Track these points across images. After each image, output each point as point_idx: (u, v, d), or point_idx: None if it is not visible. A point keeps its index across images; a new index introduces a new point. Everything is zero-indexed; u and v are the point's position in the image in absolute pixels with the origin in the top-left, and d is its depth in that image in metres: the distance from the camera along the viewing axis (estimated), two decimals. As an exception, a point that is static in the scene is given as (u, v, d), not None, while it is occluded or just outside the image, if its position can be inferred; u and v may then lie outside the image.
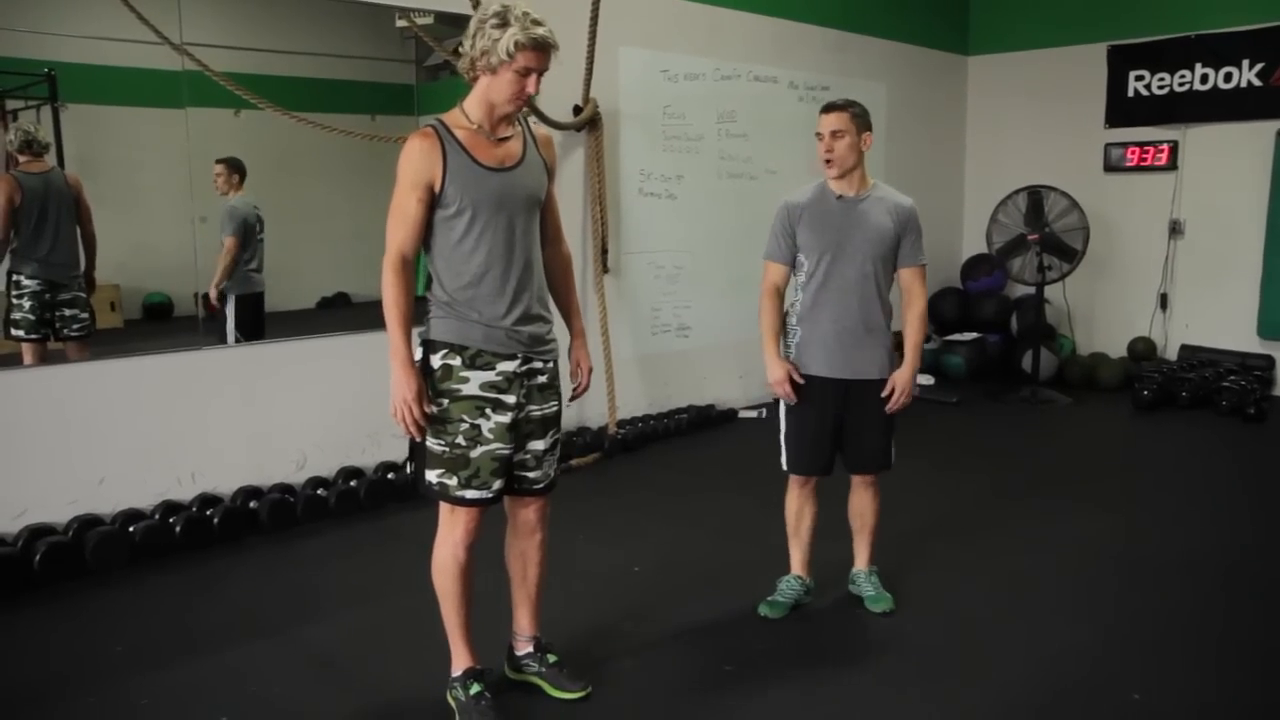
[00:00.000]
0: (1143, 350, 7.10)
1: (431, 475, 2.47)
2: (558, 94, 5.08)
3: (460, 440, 2.44)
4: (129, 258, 4.74)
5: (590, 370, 2.76)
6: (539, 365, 2.54)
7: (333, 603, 3.35)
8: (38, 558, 3.48)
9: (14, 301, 4.07)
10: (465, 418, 2.44)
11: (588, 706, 2.64)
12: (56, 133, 4.41)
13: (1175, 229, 7.00)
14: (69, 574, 3.52)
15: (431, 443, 2.46)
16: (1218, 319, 6.85)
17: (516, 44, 2.31)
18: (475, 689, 2.57)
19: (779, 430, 3.28)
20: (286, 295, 5.27)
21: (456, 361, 2.45)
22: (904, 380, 3.16)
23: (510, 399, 2.47)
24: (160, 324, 4.79)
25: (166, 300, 4.86)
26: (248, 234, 4.78)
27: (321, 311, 5.47)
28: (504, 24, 2.32)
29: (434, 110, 5.75)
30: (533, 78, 2.37)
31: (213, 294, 4.67)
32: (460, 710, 2.56)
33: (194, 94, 4.48)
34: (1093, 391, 6.87)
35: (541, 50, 2.35)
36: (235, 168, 4.74)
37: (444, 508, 2.50)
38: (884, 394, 3.14)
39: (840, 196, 3.12)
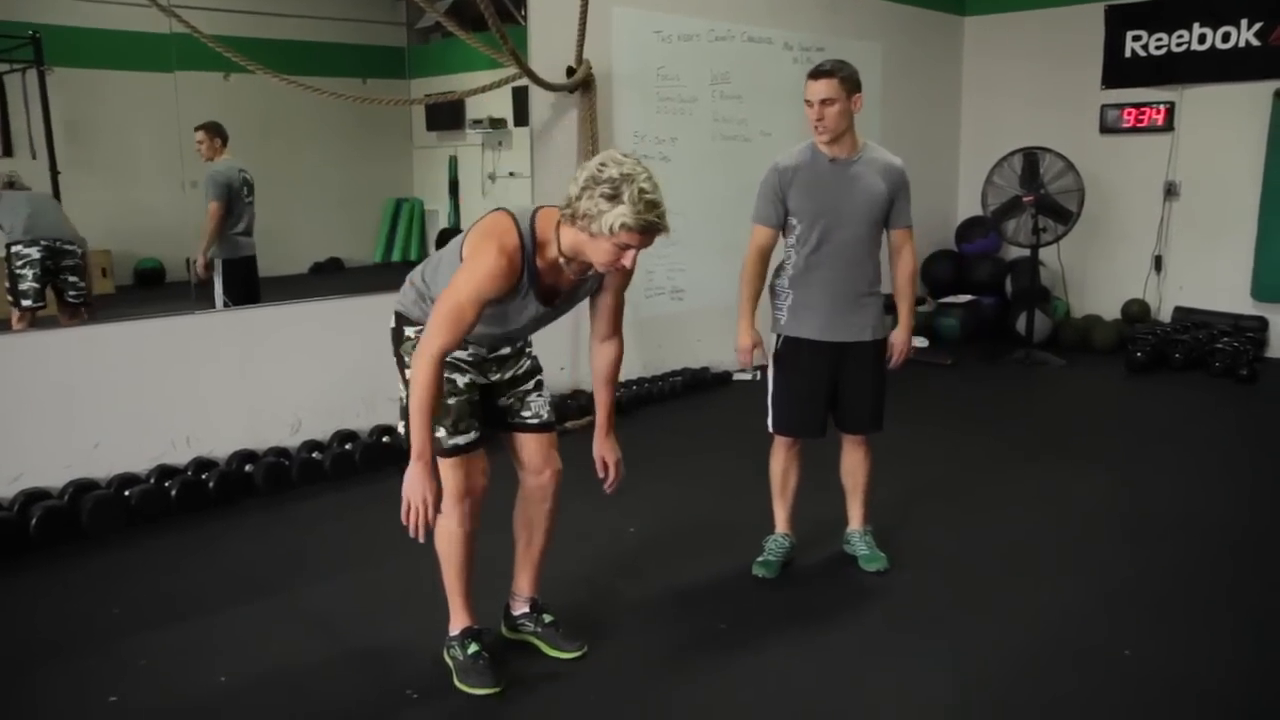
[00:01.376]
0: (1137, 312, 7.11)
1: None
2: (550, 55, 5.05)
3: None
4: (120, 223, 4.74)
5: (619, 462, 2.66)
6: (507, 350, 2.61)
7: (329, 564, 3.37)
8: (34, 522, 3.49)
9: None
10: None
11: (584, 665, 2.66)
12: (43, 97, 4.37)
13: (1171, 191, 6.98)
14: (65, 538, 3.53)
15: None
16: (1212, 281, 6.85)
17: (623, 225, 2.15)
18: (473, 648, 2.59)
19: (767, 391, 3.28)
20: (279, 260, 5.26)
21: None
22: (902, 340, 3.21)
23: (476, 372, 2.56)
24: (152, 289, 4.79)
25: (158, 265, 4.85)
26: (233, 198, 4.73)
27: (314, 276, 5.48)
28: (616, 198, 2.15)
29: (425, 73, 5.76)
30: (631, 252, 2.22)
31: (200, 260, 4.65)
32: (458, 669, 2.58)
33: (183, 57, 4.43)
34: (1087, 354, 6.88)
35: (649, 234, 2.21)
36: (216, 132, 4.68)
37: (445, 475, 2.47)
38: (886, 355, 3.19)
39: (833, 159, 3.08)
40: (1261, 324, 6.62)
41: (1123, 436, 5.00)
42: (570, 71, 5.12)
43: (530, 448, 2.67)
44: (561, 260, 2.33)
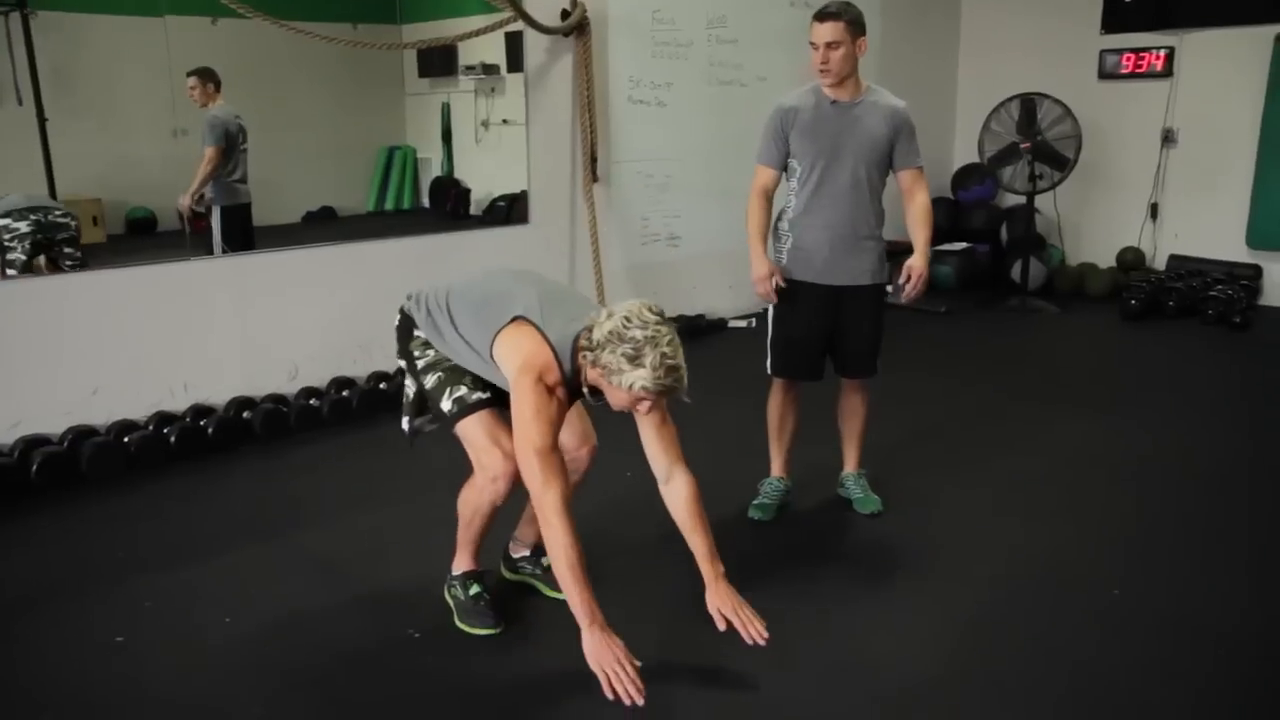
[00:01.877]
0: (1132, 260, 7.11)
1: (446, 403, 2.49)
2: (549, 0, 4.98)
3: (443, 366, 2.51)
4: (110, 171, 4.67)
5: (739, 610, 2.36)
6: None
7: (330, 508, 3.40)
8: (34, 467, 3.51)
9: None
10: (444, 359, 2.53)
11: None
12: (28, 41, 4.28)
13: (1168, 138, 6.95)
14: (65, 483, 3.55)
15: (427, 381, 2.53)
16: (1207, 229, 6.84)
17: (643, 388, 2.16)
18: (475, 589, 2.63)
19: (766, 334, 3.29)
20: (272, 209, 5.18)
21: None
22: (919, 267, 3.13)
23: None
24: (144, 238, 4.74)
25: (150, 214, 4.80)
26: (230, 144, 4.69)
27: (307, 225, 5.42)
28: (637, 359, 2.14)
29: (416, 18, 5.67)
30: (647, 404, 2.23)
31: (186, 201, 4.59)
32: (458, 609, 2.62)
33: (171, 1, 4.36)
34: (1081, 301, 6.90)
35: (666, 396, 2.22)
36: (209, 78, 4.61)
37: (479, 445, 2.46)
38: (901, 280, 3.13)
39: (835, 102, 3.08)
40: (1256, 272, 6.63)
41: (1116, 383, 5.04)
42: (565, 14, 5.05)
43: (565, 431, 2.57)
44: (585, 392, 2.34)
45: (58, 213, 4.11)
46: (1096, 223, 7.33)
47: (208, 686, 2.36)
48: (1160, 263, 7.07)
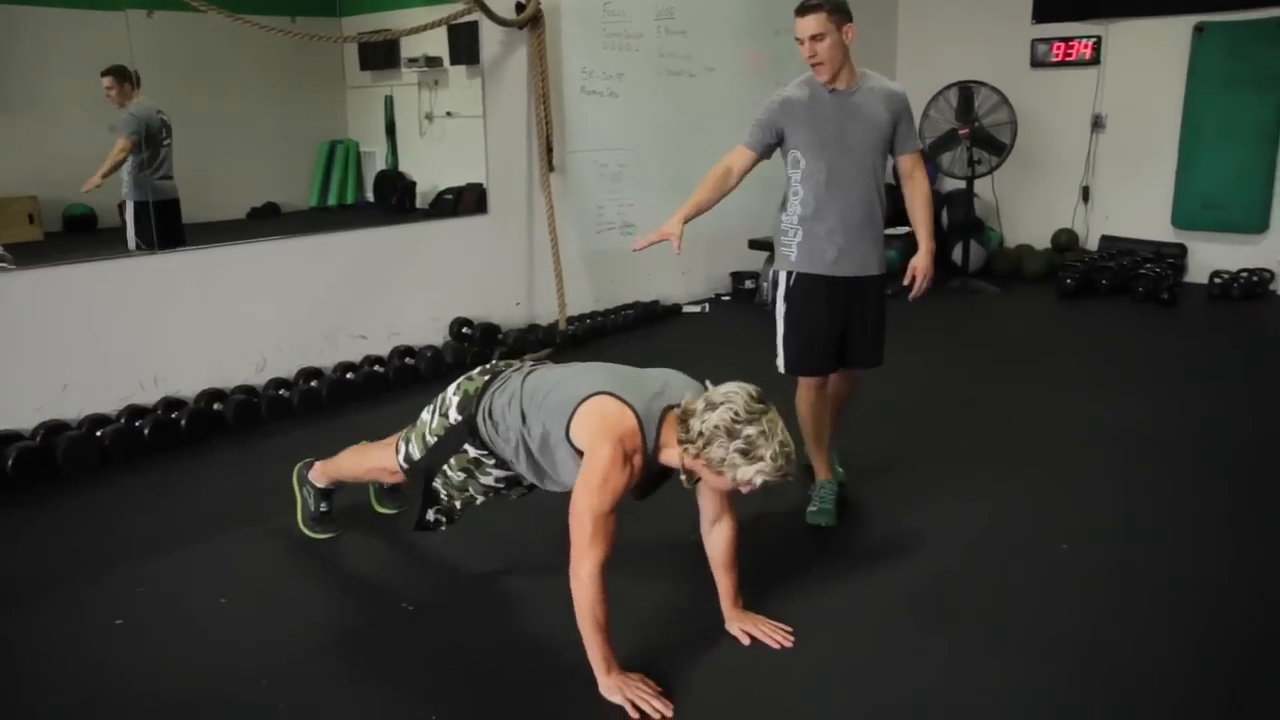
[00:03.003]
0: (1066, 241, 7.41)
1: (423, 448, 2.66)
2: (503, -9, 5.07)
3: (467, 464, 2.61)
4: (46, 167, 4.60)
5: (760, 623, 2.53)
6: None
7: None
8: (10, 462, 3.53)
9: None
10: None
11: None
12: None
13: (1097, 123, 7.25)
14: (42, 478, 3.58)
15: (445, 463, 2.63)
16: (1135, 210, 7.16)
17: (764, 482, 2.17)
18: (324, 506, 3.11)
19: (775, 333, 3.24)
20: (215, 206, 5.16)
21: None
22: (924, 264, 3.16)
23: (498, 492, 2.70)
24: (83, 236, 4.67)
25: (89, 211, 4.72)
26: (150, 139, 4.56)
27: (252, 221, 5.40)
28: (752, 455, 2.15)
29: (356, 10, 5.67)
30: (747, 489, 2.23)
31: (90, 184, 4.48)
32: (304, 513, 3.10)
33: None
34: (1019, 281, 7.19)
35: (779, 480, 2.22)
36: (124, 76, 4.47)
37: (405, 454, 2.74)
38: (905, 282, 3.19)
39: (832, 91, 3.04)
40: (1181, 250, 6.96)
41: (1054, 356, 5.29)
42: (520, 7, 5.14)
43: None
44: (683, 478, 2.36)
45: None
46: (1032, 206, 7.62)
47: (210, 663, 2.44)
48: (1093, 243, 7.38)
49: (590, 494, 2.19)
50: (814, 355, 3.19)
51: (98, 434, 3.80)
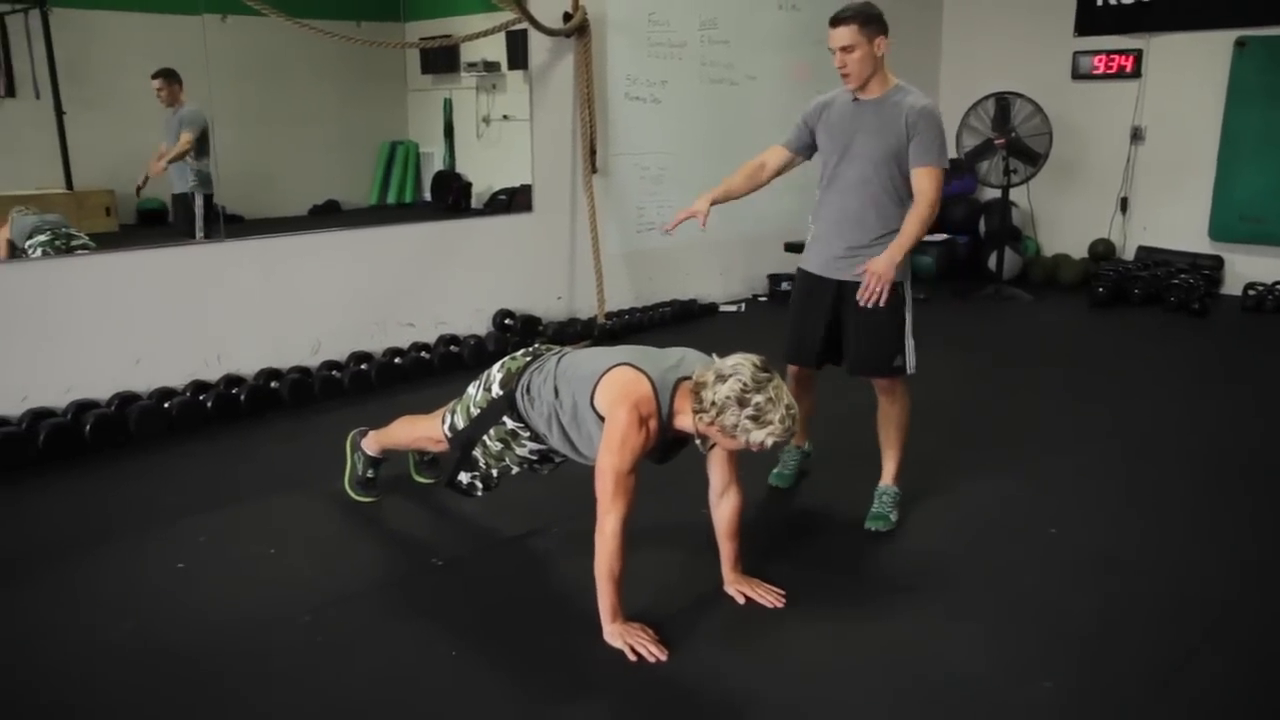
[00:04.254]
0: (1102, 251, 7.50)
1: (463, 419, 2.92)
2: (551, 2, 5.33)
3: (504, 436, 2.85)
4: (123, 163, 4.89)
5: (757, 585, 2.74)
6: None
7: (351, 464, 3.77)
8: (88, 428, 3.87)
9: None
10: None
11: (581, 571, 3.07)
12: (46, 36, 4.52)
13: (1137, 135, 7.33)
14: (115, 443, 3.92)
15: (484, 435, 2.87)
16: (1173, 221, 7.23)
17: (774, 442, 2.39)
18: (371, 473, 3.37)
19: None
20: (279, 202, 5.45)
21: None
22: (875, 263, 3.03)
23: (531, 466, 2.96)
24: (155, 229, 4.93)
25: (161, 205, 4.98)
26: (205, 136, 4.79)
27: (313, 218, 5.63)
28: (761, 420, 2.36)
29: (418, 16, 5.96)
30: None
31: (154, 169, 4.76)
32: (351, 476, 3.37)
33: (176, 1, 4.52)
34: (1054, 290, 7.30)
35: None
36: (173, 78, 4.74)
37: (446, 427, 2.99)
38: (858, 271, 3.11)
39: (856, 99, 3.12)
40: (1217, 262, 7.02)
41: (1080, 361, 5.43)
42: (567, 17, 5.42)
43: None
44: (698, 442, 2.59)
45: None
46: (1071, 215, 7.71)
47: (259, 600, 2.73)
48: (1130, 254, 7.46)
49: (610, 454, 2.43)
50: (799, 347, 3.32)
51: (165, 405, 4.13)
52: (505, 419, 2.79)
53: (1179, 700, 2.31)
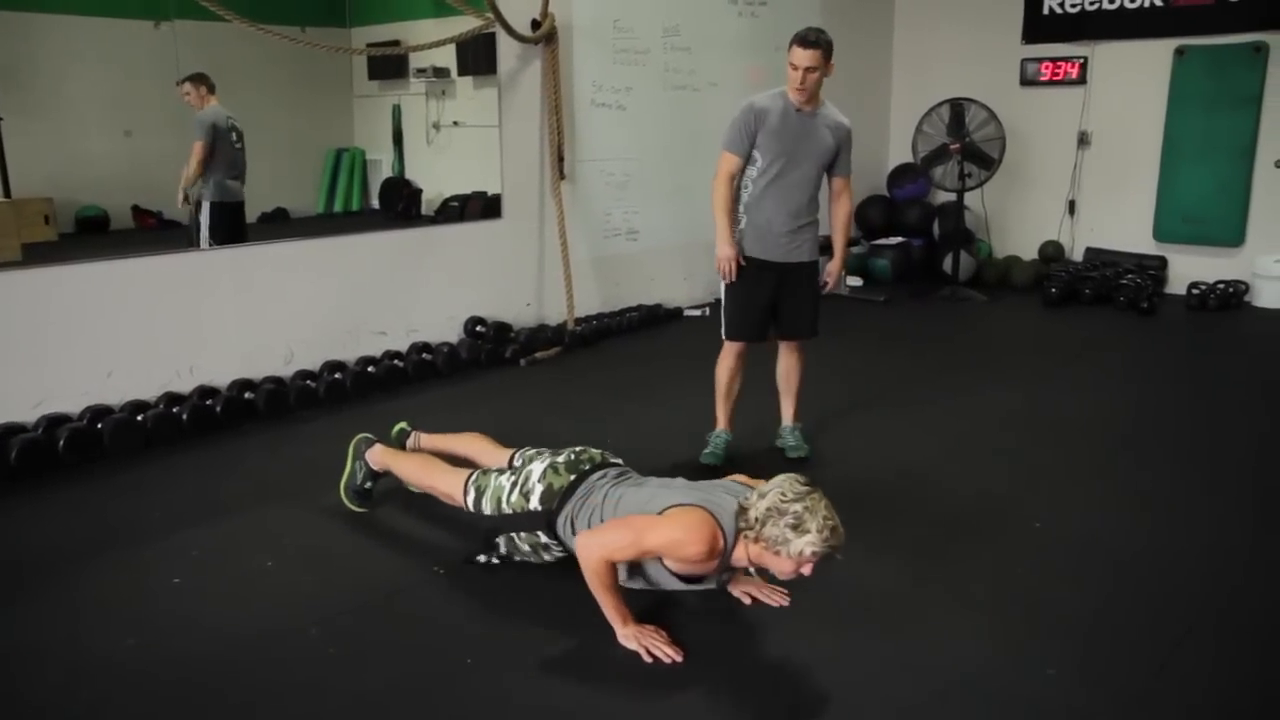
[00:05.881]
0: (1052, 252, 7.71)
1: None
2: (518, 9, 5.34)
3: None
4: (61, 170, 4.80)
5: (763, 585, 2.80)
6: None
7: (340, 472, 3.72)
8: (61, 442, 3.79)
9: None
10: None
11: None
12: None
13: (1083, 140, 7.56)
14: (89, 457, 3.84)
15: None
16: (1119, 223, 7.47)
17: (813, 554, 2.35)
18: (370, 484, 3.35)
19: (721, 306, 3.84)
20: None
21: None
22: (834, 269, 3.87)
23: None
24: (96, 237, 4.85)
25: (102, 213, 4.89)
26: (218, 142, 4.87)
27: (264, 226, 5.54)
28: (800, 529, 2.34)
29: (365, 21, 5.88)
30: (810, 566, 2.38)
31: (179, 196, 4.78)
32: (349, 483, 3.35)
33: (113, 3, 4.48)
34: (1007, 290, 7.48)
35: (831, 555, 2.39)
36: (201, 81, 4.82)
37: (468, 484, 3.04)
38: (821, 281, 3.86)
39: (799, 110, 3.60)
40: (1162, 262, 7.26)
41: (1037, 359, 5.58)
42: (535, 24, 5.43)
43: None
44: (750, 570, 2.62)
45: None
46: (1020, 218, 7.92)
47: (264, 613, 2.71)
48: (1078, 255, 7.68)
49: (655, 529, 2.47)
50: (748, 325, 3.80)
51: (139, 418, 4.06)
52: (540, 534, 2.86)
53: (1172, 681, 2.41)
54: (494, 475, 2.98)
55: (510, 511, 2.89)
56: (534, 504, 2.84)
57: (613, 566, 2.53)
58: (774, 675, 2.46)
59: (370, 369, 4.85)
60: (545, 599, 2.81)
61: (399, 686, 2.39)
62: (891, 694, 2.37)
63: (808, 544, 2.34)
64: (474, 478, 3.02)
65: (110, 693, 2.36)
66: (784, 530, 2.35)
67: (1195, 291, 6.83)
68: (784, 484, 2.42)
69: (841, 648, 2.58)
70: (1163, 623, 2.68)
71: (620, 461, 2.98)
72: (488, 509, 2.94)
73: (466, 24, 5.15)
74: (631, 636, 2.52)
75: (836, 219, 3.84)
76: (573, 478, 2.83)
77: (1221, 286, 6.80)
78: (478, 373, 5.13)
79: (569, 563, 2.71)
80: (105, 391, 4.13)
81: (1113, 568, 3.00)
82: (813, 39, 3.47)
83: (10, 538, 3.22)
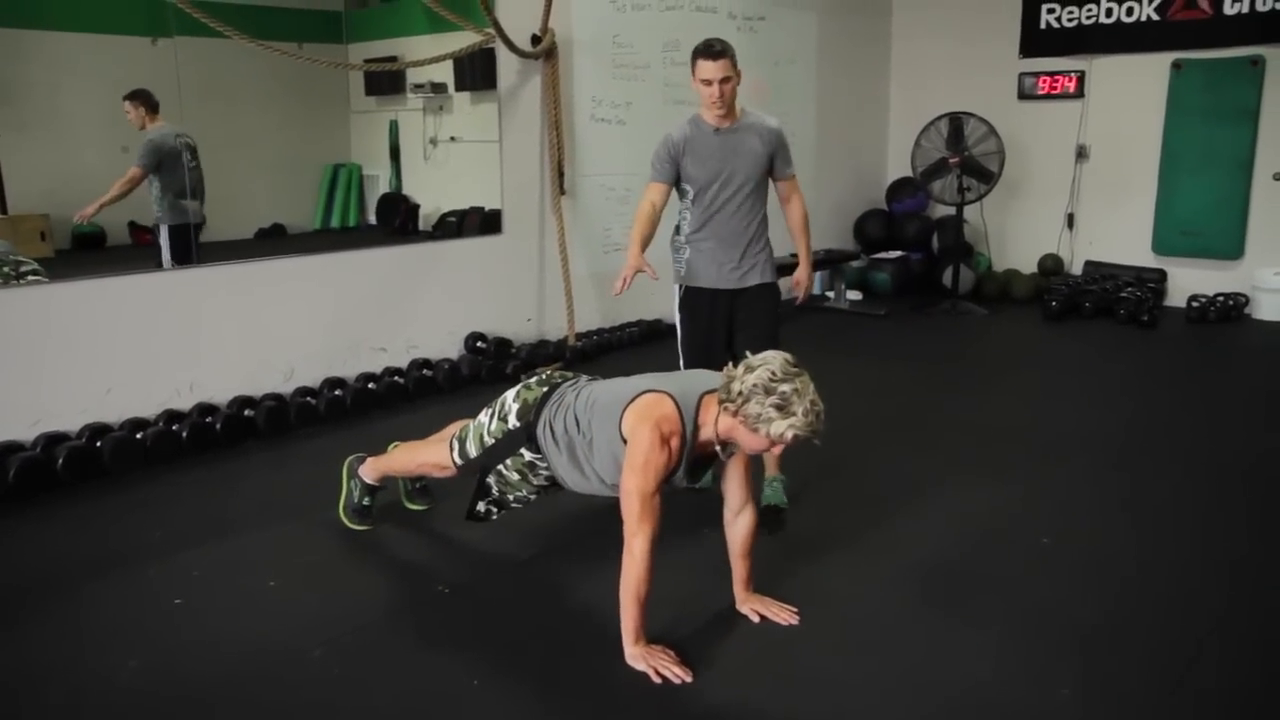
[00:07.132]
0: (1051, 266, 7.71)
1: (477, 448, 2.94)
2: (518, 24, 5.34)
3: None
4: (57, 186, 4.73)
5: (772, 603, 2.78)
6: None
7: (340, 490, 3.69)
8: (60, 461, 3.75)
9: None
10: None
11: (588, 594, 3.06)
12: None
13: (1081, 153, 7.57)
14: (88, 476, 3.80)
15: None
16: (1118, 236, 7.48)
17: (795, 436, 2.33)
18: (367, 500, 3.35)
19: (677, 337, 3.70)
20: (225, 225, 5.28)
21: None
22: (801, 277, 3.70)
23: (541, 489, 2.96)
24: (93, 254, 4.80)
25: (98, 230, 4.83)
26: (163, 164, 4.70)
27: (260, 242, 5.54)
28: (786, 410, 2.32)
29: (362, 38, 5.89)
30: (781, 447, 2.38)
31: (90, 211, 4.58)
32: (347, 503, 3.34)
33: (110, 19, 4.45)
34: (1007, 303, 7.48)
35: (812, 438, 2.37)
36: (143, 100, 4.63)
37: (453, 450, 3.03)
38: (790, 294, 3.74)
39: (717, 130, 3.41)
40: (1161, 275, 7.27)
41: (1038, 373, 5.57)
42: (536, 40, 5.43)
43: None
44: (716, 447, 2.55)
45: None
46: (1019, 231, 7.93)
47: (267, 634, 2.67)
48: (1077, 268, 7.69)
49: (634, 475, 2.44)
50: (702, 355, 3.54)
51: (139, 436, 4.02)
52: (524, 451, 2.80)
53: (1187, 698, 2.38)
54: (472, 421, 2.98)
55: (493, 441, 2.86)
56: (512, 423, 2.81)
57: (653, 545, 2.44)
58: (783, 694, 2.43)
59: (371, 385, 4.82)
60: (552, 618, 2.78)
61: (405, 706, 2.35)
62: (902, 713, 2.34)
63: (790, 426, 2.31)
64: (456, 434, 3.01)
65: (112, 715, 2.32)
66: (768, 409, 2.32)
67: (1195, 304, 6.84)
68: (775, 361, 2.39)
69: (851, 666, 2.55)
70: (1174, 638, 2.66)
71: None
72: (473, 451, 2.91)
73: (464, 40, 5.17)
74: (640, 656, 2.49)
75: (792, 223, 3.63)
76: (545, 390, 2.82)
77: (1221, 299, 6.81)
78: (479, 389, 5.10)
79: (576, 572, 2.69)
80: (104, 409, 4.10)
81: (1120, 583, 2.98)
82: (719, 48, 3.30)
83: (9, 557, 3.19)
